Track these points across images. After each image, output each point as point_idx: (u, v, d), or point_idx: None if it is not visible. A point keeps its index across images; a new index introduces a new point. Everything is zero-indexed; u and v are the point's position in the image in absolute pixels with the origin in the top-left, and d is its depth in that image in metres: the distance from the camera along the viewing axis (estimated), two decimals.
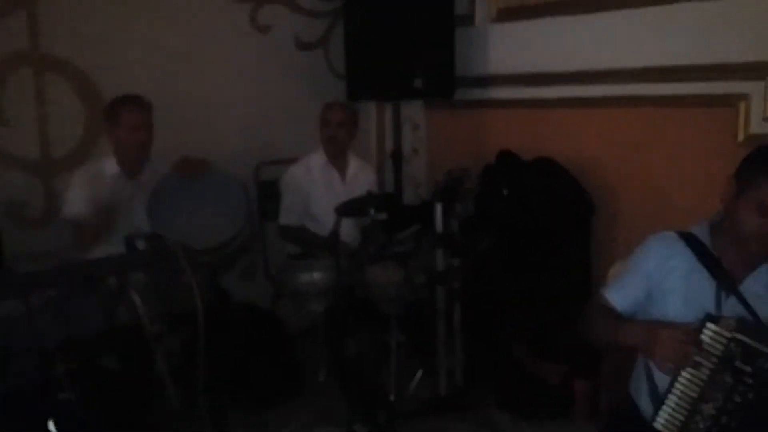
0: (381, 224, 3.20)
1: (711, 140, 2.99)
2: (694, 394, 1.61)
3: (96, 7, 3.30)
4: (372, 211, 2.67)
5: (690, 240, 1.81)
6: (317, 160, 3.48)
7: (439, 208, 2.90)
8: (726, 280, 1.72)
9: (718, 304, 1.72)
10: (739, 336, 1.58)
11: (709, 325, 1.61)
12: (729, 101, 2.90)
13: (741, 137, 2.89)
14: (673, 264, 1.80)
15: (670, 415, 1.64)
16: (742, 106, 2.87)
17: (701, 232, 1.82)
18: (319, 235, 3.32)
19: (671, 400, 1.64)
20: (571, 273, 3.24)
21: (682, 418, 1.62)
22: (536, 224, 3.28)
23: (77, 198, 2.79)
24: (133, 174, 2.91)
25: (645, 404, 1.81)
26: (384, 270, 2.92)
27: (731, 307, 1.72)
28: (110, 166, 2.89)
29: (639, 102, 3.22)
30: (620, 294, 1.89)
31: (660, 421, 1.65)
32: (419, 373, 3.19)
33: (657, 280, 1.82)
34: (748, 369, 1.56)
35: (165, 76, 3.46)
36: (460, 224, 3.05)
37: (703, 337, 1.61)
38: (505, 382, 3.15)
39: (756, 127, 2.85)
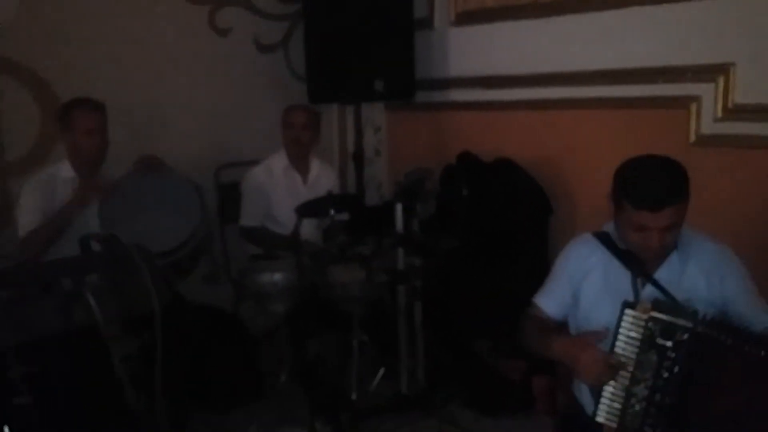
0: (343, 225, 3.22)
1: (664, 141, 3.03)
2: (626, 382, 1.67)
3: (52, 9, 3.26)
4: (332, 212, 2.68)
5: (603, 238, 1.90)
6: (278, 162, 3.48)
7: (399, 209, 2.93)
8: (640, 269, 1.80)
9: (636, 293, 1.79)
10: (654, 314, 1.64)
11: (627, 310, 1.68)
12: (681, 103, 2.97)
13: (693, 138, 2.96)
14: (592, 262, 1.90)
15: (608, 406, 1.69)
16: (693, 107, 2.95)
17: (612, 230, 1.91)
18: (281, 235, 3.32)
19: (606, 392, 1.70)
20: (530, 271, 3.28)
21: (619, 406, 1.67)
22: (496, 224, 3.33)
23: (29, 207, 2.72)
24: (89, 178, 2.84)
25: (587, 401, 1.87)
26: (346, 270, 2.93)
27: (649, 294, 1.79)
28: (65, 170, 2.82)
29: (595, 104, 3.28)
30: (549, 299, 1.99)
31: (601, 415, 1.70)
32: (381, 372, 3.21)
33: (579, 280, 1.92)
34: (669, 344, 1.62)
35: (123, 79, 3.43)
36: (420, 224, 3.08)
37: (623, 323, 1.67)
38: (466, 379, 3.19)
39: (707, 128, 2.93)
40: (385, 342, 3.18)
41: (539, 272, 3.28)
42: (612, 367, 1.67)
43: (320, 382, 2.96)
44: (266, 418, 3.01)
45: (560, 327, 1.99)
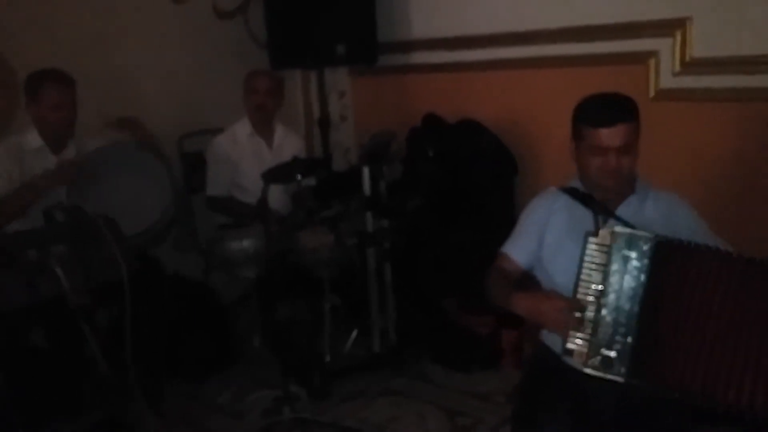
0: (310, 190, 3.22)
1: None
2: (592, 308, 1.69)
3: None
4: (299, 177, 2.68)
5: (566, 188, 1.99)
6: (242, 129, 3.44)
7: (366, 172, 2.95)
8: (601, 207, 1.88)
9: (597, 228, 1.83)
10: (618, 229, 1.72)
11: (591, 238, 1.73)
12: (639, 58, 3.02)
13: (652, 93, 3.02)
14: (556, 207, 2.01)
15: (580, 334, 1.69)
16: (652, 62, 3.00)
17: (576, 184, 2.00)
18: (248, 204, 3.30)
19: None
20: (497, 229, 3.30)
21: (589, 331, 1.68)
22: (462, 184, 3.36)
23: None
24: (57, 149, 2.79)
25: (556, 339, 1.88)
26: (314, 234, 2.94)
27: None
28: (33, 139, 2.74)
29: (555, 62, 3.31)
30: (517, 247, 2.05)
31: (571, 343, 1.69)
32: (354, 334, 3.26)
33: (543, 224, 2.00)
34: (633, 254, 1.68)
35: (81, 49, 3.34)
36: (388, 186, 3.10)
37: (587, 252, 1.72)
38: (436, 336, 3.24)
39: (666, 83, 2.98)
40: (356, 304, 3.22)
41: (506, 231, 3.34)
42: (576, 312, 1.70)
43: (292, 346, 2.99)
44: (240, 383, 3.04)
45: (523, 279, 2.03)
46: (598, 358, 1.67)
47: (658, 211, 1.93)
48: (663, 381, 1.64)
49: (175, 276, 3.25)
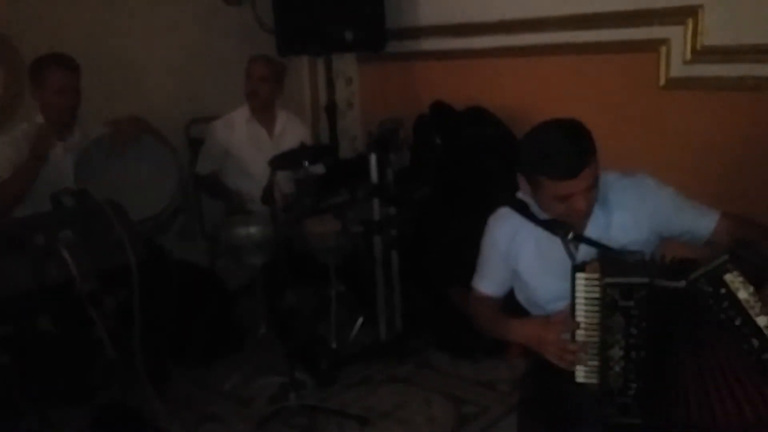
0: (319, 178, 3.22)
1: (634, 85, 3.08)
2: (596, 339, 1.67)
3: None
4: (306, 163, 2.67)
5: (523, 210, 1.87)
6: (240, 115, 3.44)
7: (373, 159, 2.93)
8: (567, 233, 1.78)
9: (572, 256, 1.78)
10: (609, 280, 1.63)
11: (579, 275, 1.67)
12: (650, 46, 2.99)
13: (662, 81, 2.99)
14: (521, 238, 1.87)
15: (586, 366, 1.69)
16: (663, 50, 2.96)
17: (526, 197, 1.86)
18: (230, 189, 3.33)
19: (580, 353, 1.69)
20: None
21: (597, 363, 1.68)
22: (469, 172, 3.34)
23: (3, 158, 2.65)
24: (62, 135, 2.80)
25: None
26: (321, 222, 2.94)
27: (584, 254, 1.78)
28: (39, 124, 2.74)
29: (565, 49, 3.28)
30: (488, 282, 1.98)
31: (579, 375, 1.70)
32: (360, 321, 3.25)
33: (513, 258, 1.89)
34: (631, 303, 1.62)
35: (89, 35, 3.34)
36: (395, 174, 3.09)
37: (577, 288, 1.67)
38: (442, 324, 3.24)
39: (676, 71, 2.95)
40: (362, 291, 3.22)
41: None
42: (576, 343, 1.68)
43: (298, 333, 2.99)
44: (246, 369, 3.05)
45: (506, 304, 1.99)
46: (614, 406, 1.66)
47: (627, 210, 1.82)
48: (679, 420, 1.62)
49: (181, 262, 3.25)
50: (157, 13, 3.62)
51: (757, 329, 1.53)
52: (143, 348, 2.18)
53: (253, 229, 2.88)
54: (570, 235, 1.78)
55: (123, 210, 2.10)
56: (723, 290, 1.55)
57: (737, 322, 1.55)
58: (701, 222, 1.82)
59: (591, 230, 1.82)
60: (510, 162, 3.33)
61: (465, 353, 3.13)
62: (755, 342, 1.54)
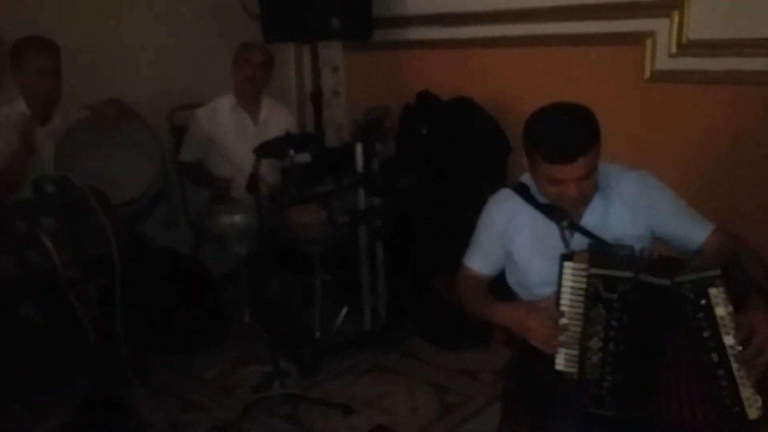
0: (304, 167, 3.20)
1: (620, 77, 3.09)
2: (578, 329, 1.68)
3: None
4: (291, 152, 2.65)
5: (522, 192, 1.88)
6: (226, 103, 3.42)
7: (359, 148, 2.93)
8: (564, 219, 1.79)
9: (566, 243, 1.79)
10: (594, 270, 1.64)
11: (566, 263, 1.68)
12: (636, 39, 3.00)
13: (647, 74, 3.00)
14: (518, 221, 1.88)
15: (566, 354, 1.71)
16: (648, 43, 2.97)
17: (529, 181, 1.88)
18: (214, 176, 3.32)
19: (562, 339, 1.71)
20: None
21: (576, 353, 1.69)
22: (455, 162, 3.34)
23: None
24: (44, 119, 2.76)
25: None
26: (306, 211, 2.93)
27: (578, 242, 1.79)
28: (21, 109, 2.72)
29: (551, 41, 3.29)
30: (481, 260, 1.98)
31: (559, 362, 1.71)
32: (344, 311, 3.25)
33: (508, 240, 1.90)
34: (614, 296, 1.63)
35: (73, 20, 3.29)
36: (380, 163, 3.08)
37: (564, 276, 1.68)
38: (426, 314, 3.25)
39: (661, 64, 2.96)
40: (347, 281, 3.21)
41: None
42: (559, 328, 1.69)
43: (282, 322, 2.99)
44: (229, 358, 3.04)
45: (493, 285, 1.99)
46: (590, 397, 1.68)
47: (626, 203, 1.83)
48: (653, 412, 1.64)
49: (164, 250, 3.23)
50: None
51: (721, 346, 1.55)
52: (126, 336, 2.17)
53: (237, 218, 2.87)
54: (566, 223, 1.78)
55: (105, 197, 2.08)
56: (703, 301, 1.56)
57: (705, 334, 1.57)
58: (694, 231, 1.82)
59: (588, 218, 1.83)
60: (496, 153, 3.39)
61: (449, 343, 3.14)
62: (715, 356, 1.56)
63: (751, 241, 1.81)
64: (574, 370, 1.70)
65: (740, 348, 1.54)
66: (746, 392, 1.55)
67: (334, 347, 3.08)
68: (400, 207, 3.23)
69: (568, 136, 1.66)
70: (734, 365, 1.55)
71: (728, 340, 1.55)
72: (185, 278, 3.20)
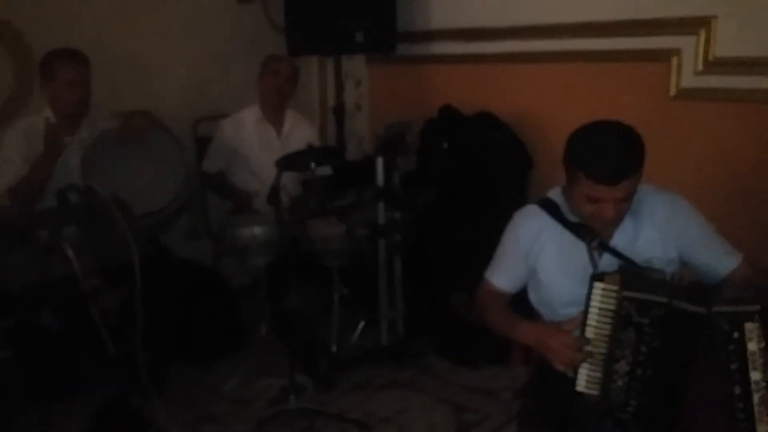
0: (326, 180, 3.21)
1: (645, 94, 3.07)
2: (603, 350, 1.66)
3: None
4: (313, 165, 2.66)
5: (550, 209, 1.85)
6: (251, 115, 3.43)
7: (380, 162, 2.92)
8: (593, 239, 1.76)
9: (594, 263, 1.77)
10: (628, 294, 1.62)
11: (597, 284, 1.66)
12: (662, 56, 2.98)
13: (673, 91, 2.98)
14: (544, 238, 1.85)
15: (588, 375, 1.68)
16: (674, 60, 2.95)
17: (557, 196, 1.87)
18: (238, 188, 3.33)
19: (584, 364, 1.68)
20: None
21: (600, 375, 1.67)
22: (476, 177, 3.33)
23: (11, 157, 2.65)
24: (71, 130, 2.80)
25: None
26: (326, 224, 2.92)
27: (607, 263, 1.77)
28: (47, 118, 2.73)
29: (576, 57, 3.27)
30: (504, 276, 1.95)
31: (581, 384, 1.68)
32: (361, 325, 3.24)
33: (534, 257, 1.87)
34: (646, 320, 1.62)
35: (101, 31, 3.34)
36: (401, 178, 3.07)
37: (593, 297, 1.65)
38: (444, 330, 3.23)
39: (687, 82, 2.94)
40: (364, 295, 3.20)
41: None
42: (583, 351, 1.66)
43: (299, 334, 2.99)
44: (247, 370, 3.04)
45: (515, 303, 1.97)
46: (613, 420, 1.66)
47: (656, 226, 1.80)
48: None
49: (185, 261, 3.25)
50: (169, 9, 3.62)
51: (747, 380, 1.55)
52: (145, 346, 2.18)
53: (257, 229, 2.87)
54: (595, 243, 1.76)
55: (127, 207, 2.09)
56: (737, 334, 1.55)
57: (732, 366, 1.56)
58: (723, 260, 1.80)
59: (618, 239, 1.81)
60: (517, 168, 3.37)
61: (466, 360, 3.12)
62: (737, 389, 1.56)
63: None
64: (595, 392, 1.68)
65: (764, 384, 1.54)
66: (762, 428, 1.54)
67: (350, 361, 3.06)
68: (419, 221, 3.22)
69: (615, 157, 1.65)
70: (756, 400, 1.54)
71: (755, 375, 1.54)
72: (204, 290, 3.21)
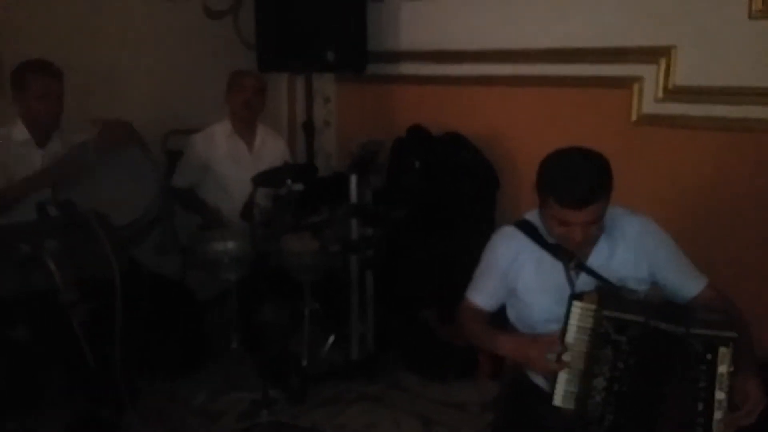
0: (297, 195, 3.23)
1: (607, 119, 3.18)
2: (580, 366, 1.73)
3: None
4: (289, 182, 2.69)
5: (528, 230, 1.93)
6: (221, 130, 3.43)
7: (354, 180, 2.97)
8: (570, 260, 1.85)
9: (571, 283, 1.84)
10: (607, 313, 1.71)
11: (575, 303, 1.74)
12: (624, 83, 3.10)
13: (634, 117, 3.10)
14: (522, 259, 1.93)
15: (564, 390, 1.75)
16: (636, 87, 3.07)
17: (535, 218, 1.94)
18: (207, 204, 3.33)
19: (561, 378, 1.75)
20: (477, 243, 3.35)
21: (576, 390, 1.74)
22: (444, 196, 3.40)
23: None
24: (42, 142, 2.78)
25: (540, 380, 1.93)
26: (300, 239, 2.95)
27: (584, 283, 1.85)
28: (19, 132, 2.74)
29: (541, 81, 3.37)
30: (483, 295, 2.02)
31: (558, 398, 1.75)
32: (331, 339, 3.26)
33: (513, 277, 1.94)
34: (624, 338, 1.70)
35: (71, 43, 3.30)
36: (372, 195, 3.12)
37: (571, 315, 1.73)
38: (414, 345, 3.28)
39: (648, 108, 3.06)
40: (335, 310, 3.23)
41: (485, 243, 3.42)
42: (561, 360, 1.73)
43: (270, 348, 3.00)
44: (215, 383, 3.03)
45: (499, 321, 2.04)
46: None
47: (630, 246, 1.88)
48: None
49: (152, 274, 3.23)
50: (140, 22, 3.61)
51: (711, 398, 1.64)
52: (115, 359, 2.17)
53: (230, 244, 2.88)
54: (573, 263, 1.84)
55: (107, 221, 2.09)
56: (710, 356, 1.64)
57: (701, 385, 1.65)
58: (689, 283, 1.90)
59: (593, 259, 1.88)
60: (485, 187, 3.45)
61: (435, 374, 3.17)
62: (700, 406, 1.65)
63: (733, 284, 1.89)
64: (571, 406, 1.74)
65: (726, 404, 1.63)
66: None
67: (321, 375, 3.08)
68: (389, 238, 3.27)
69: (582, 182, 1.72)
70: (718, 416, 1.63)
71: (719, 395, 1.63)
72: (171, 303, 3.18)
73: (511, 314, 2.03)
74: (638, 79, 3.06)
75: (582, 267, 1.86)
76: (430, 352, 3.21)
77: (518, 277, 1.93)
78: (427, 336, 3.26)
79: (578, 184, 1.72)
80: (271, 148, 3.51)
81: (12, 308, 2.05)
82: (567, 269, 1.85)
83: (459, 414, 2.90)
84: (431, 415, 2.89)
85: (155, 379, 3.01)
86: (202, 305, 3.35)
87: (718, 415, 1.63)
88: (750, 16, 2.73)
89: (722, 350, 1.63)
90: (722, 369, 1.63)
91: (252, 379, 2.95)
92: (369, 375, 3.15)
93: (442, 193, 3.40)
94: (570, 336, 1.74)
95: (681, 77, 2.95)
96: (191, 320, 3.22)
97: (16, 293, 1.85)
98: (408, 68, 3.93)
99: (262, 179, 2.61)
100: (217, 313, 3.38)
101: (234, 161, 3.39)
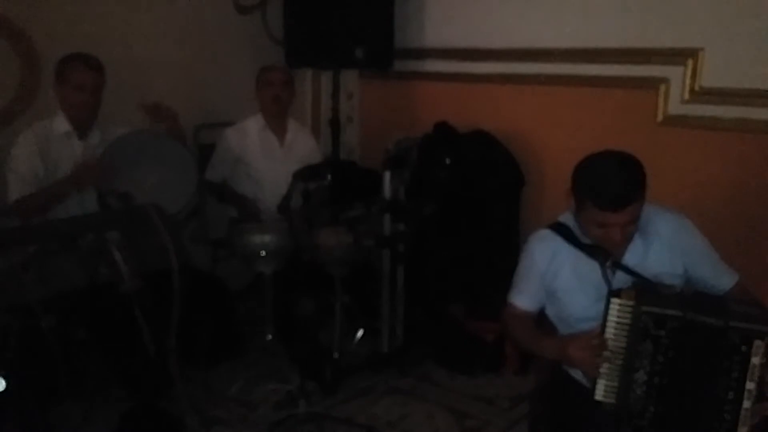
0: (327, 189, 3.29)
1: (633, 120, 3.23)
2: (620, 361, 1.79)
3: None
4: (329, 177, 2.75)
5: (563, 232, 2.00)
6: (254, 124, 3.49)
7: (387, 176, 3.02)
8: (606, 259, 1.91)
9: (608, 281, 1.90)
10: (645, 308, 1.76)
11: (614, 300, 1.79)
12: (650, 84, 3.15)
13: (660, 118, 3.15)
14: (560, 261, 1.99)
15: (605, 385, 1.81)
16: (662, 88, 3.12)
17: (568, 220, 2.01)
18: (240, 195, 3.37)
19: (602, 372, 1.80)
20: (503, 239, 3.45)
21: (616, 384, 1.80)
22: (472, 193, 3.46)
23: (23, 161, 2.68)
24: (83, 134, 2.83)
25: (578, 374, 1.98)
26: (335, 233, 3.00)
27: (620, 281, 1.91)
28: (60, 123, 2.79)
29: (568, 81, 3.42)
30: (524, 298, 2.09)
31: (599, 392, 1.81)
32: (360, 332, 3.33)
33: (550, 279, 2.02)
34: (663, 333, 1.76)
35: (104, 37, 3.35)
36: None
37: (610, 312, 1.79)
38: (442, 339, 3.34)
39: (674, 109, 3.11)
40: (365, 303, 3.29)
41: (511, 240, 3.49)
42: (603, 355, 1.79)
43: (303, 341, 3.05)
44: (249, 374, 3.09)
45: (542, 323, 2.11)
46: (632, 427, 1.79)
47: (664, 243, 1.95)
48: None
49: (183, 265, 3.27)
50: (170, 15, 3.66)
51: (741, 388, 1.72)
52: (163, 350, 2.22)
53: (268, 237, 2.93)
54: (609, 262, 1.90)
55: (164, 213, 2.14)
56: (744, 348, 1.71)
57: (733, 375, 1.72)
58: (722, 279, 1.99)
59: (629, 257, 1.94)
60: (511, 185, 3.51)
61: (463, 368, 3.23)
62: (731, 395, 1.72)
63: (758, 285, 1.96)
64: (612, 400, 1.81)
65: (755, 393, 1.71)
66: (742, 430, 1.72)
67: (352, 368, 3.14)
68: (419, 234, 3.33)
69: (619, 185, 1.79)
70: (746, 405, 1.71)
71: (750, 385, 1.71)
72: (204, 293, 3.23)
73: (551, 312, 2.10)
74: (664, 80, 3.11)
75: (618, 265, 1.92)
76: (457, 347, 3.27)
77: (556, 278, 2.00)
78: (455, 330, 3.32)
79: (615, 186, 1.79)
80: (302, 143, 3.57)
81: (75, 304, 2.10)
82: (603, 268, 1.91)
83: (489, 407, 2.97)
84: (463, 409, 2.95)
85: (188, 369, 3.05)
86: (234, 296, 3.40)
87: (746, 404, 1.71)
88: None
89: (757, 343, 1.70)
90: (755, 360, 1.70)
91: (285, 370, 3.00)
92: (399, 368, 3.21)
93: (469, 189, 3.45)
94: (609, 332, 1.80)
95: (707, 79, 3.00)
96: (225, 311, 3.27)
97: (85, 284, 1.89)
98: (432, 65, 3.97)
99: (303, 174, 2.66)
100: (248, 304, 3.43)
101: (266, 155, 3.44)
